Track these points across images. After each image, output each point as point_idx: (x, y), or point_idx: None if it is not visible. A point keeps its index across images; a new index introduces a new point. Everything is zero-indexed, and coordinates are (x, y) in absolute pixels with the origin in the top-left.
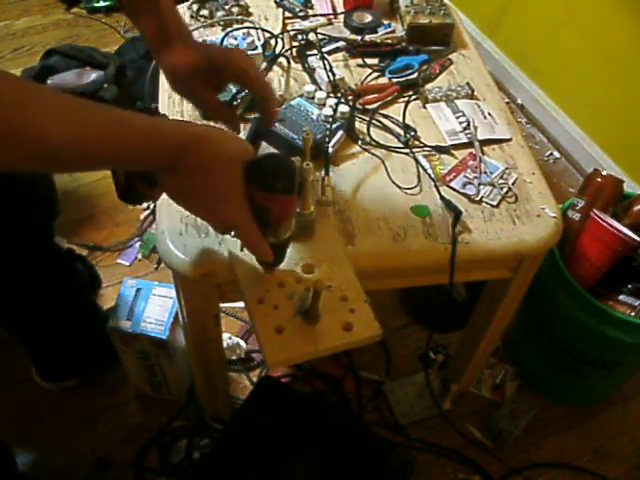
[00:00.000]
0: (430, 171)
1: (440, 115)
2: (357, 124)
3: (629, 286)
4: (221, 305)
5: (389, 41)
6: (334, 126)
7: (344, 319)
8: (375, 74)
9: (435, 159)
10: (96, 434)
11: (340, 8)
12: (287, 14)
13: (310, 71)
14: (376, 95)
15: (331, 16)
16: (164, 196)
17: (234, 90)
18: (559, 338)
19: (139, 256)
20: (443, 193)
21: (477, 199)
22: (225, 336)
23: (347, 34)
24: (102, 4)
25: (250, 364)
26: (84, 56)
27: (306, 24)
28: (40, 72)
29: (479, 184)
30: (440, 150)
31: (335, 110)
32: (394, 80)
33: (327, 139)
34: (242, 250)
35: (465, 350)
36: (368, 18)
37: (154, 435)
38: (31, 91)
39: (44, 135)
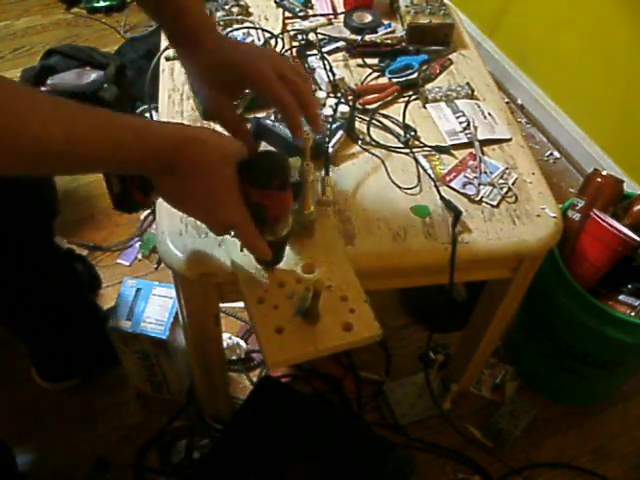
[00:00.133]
0: (430, 171)
1: (440, 115)
2: (357, 124)
3: (629, 286)
4: (221, 305)
5: (389, 41)
6: (334, 126)
7: (344, 319)
8: (375, 74)
9: (435, 159)
10: (96, 434)
11: (340, 8)
12: (287, 14)
13: (310, 71)
14: (376, 95)
15: (331, 16)
16: None
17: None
18: (559, 338)
19: (139, 256)
20: (443, 193)
21: (477, 199)
22: (225, 336)
23: (347, 34)
24: (102, 4)
25: (250, 364)
26: (84, 56)
27: (306, 24)
28: (40, 72)
29: (479, 184)
30: (440, 150)
31: (335, 110)
32: (394, 80)
33: (327, 139)
34: (242, 250)
35: (465, 350)
36: (368, 18)
37: (154, 435)
38: (21, 94)
39: (36, 138)
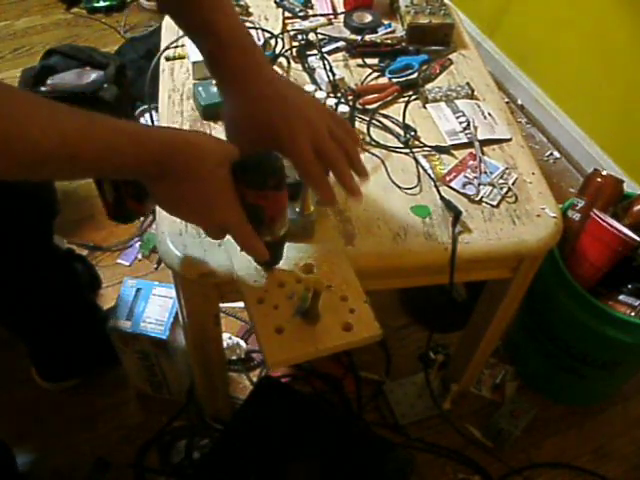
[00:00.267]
0: (430, 171)
1: (440, 115)
2: (357, 124)
3: (629, 286)
4: (221, 305)
5: (389, 41)
6: None
7: (344, 319)
8: (375, 74)
9: (435, 159)
10: (96, 434)
11: (340, 8)
12: (287, 14)
13: (310, 71)
14: (376, 95)
15: (331, 16)
16: None
17: None
18: (559, 338)
19: (139, 256)
20: (443, 193)
21: (477, 199)
22: (225, 336)
23: (347, 34)
24: (102, 4)
25: (250, 364)
26: (84, 56)
27: (306, 24)
28: (40, 72)
29: (479, 184)
30: (440, 150)
31: (335, 110)
32: (394, 80)
33: None
34: (242, 250)
35: (465, 350)
36: (368, 18)
37: (154, 435)
38: (14, 97)
39: (30, 141)
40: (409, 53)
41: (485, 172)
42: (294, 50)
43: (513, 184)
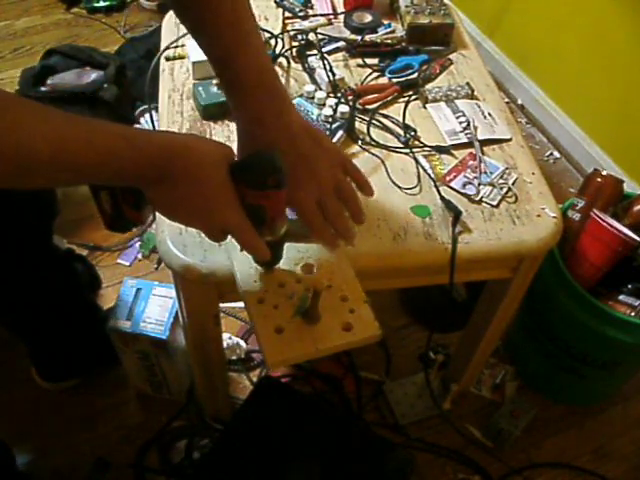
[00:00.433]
0: (430, 171)
1: (440, 115)
2: (357, 124)
3: (629, 286)
4: (221, 305)
5: (389, 41)
6: (334, 126)
7: (344, 319)
8: (375, 74)
9: (435, 159)
10: (96, 434)
11: (340, 8)
12: (287, 14)
13: (310, 71)
14: (376, 95)
15: (331, 16)
16: None
17: None
18: (559, 338)
19: (139, 256)
20: (443, 193)
21: (477, 199)
22: (225, 336)
23: (347, 34)
24: (102, 4)
25: (250, 364)
26: (84, 56)
27: (306, 24)
28: (40, 72)
29: (479, 184)
30: (440, 150)
31: (335, 110)
32: (394, 80)
33: None
34: (242, 250)
35: (465, 350)
36: (368, 18)
37: (154, 435)
38: (8, 103)
39: (24, 146)
40: (409, 53)
41: (485, 172)
42: (294, 50)
43: (513, 184)
